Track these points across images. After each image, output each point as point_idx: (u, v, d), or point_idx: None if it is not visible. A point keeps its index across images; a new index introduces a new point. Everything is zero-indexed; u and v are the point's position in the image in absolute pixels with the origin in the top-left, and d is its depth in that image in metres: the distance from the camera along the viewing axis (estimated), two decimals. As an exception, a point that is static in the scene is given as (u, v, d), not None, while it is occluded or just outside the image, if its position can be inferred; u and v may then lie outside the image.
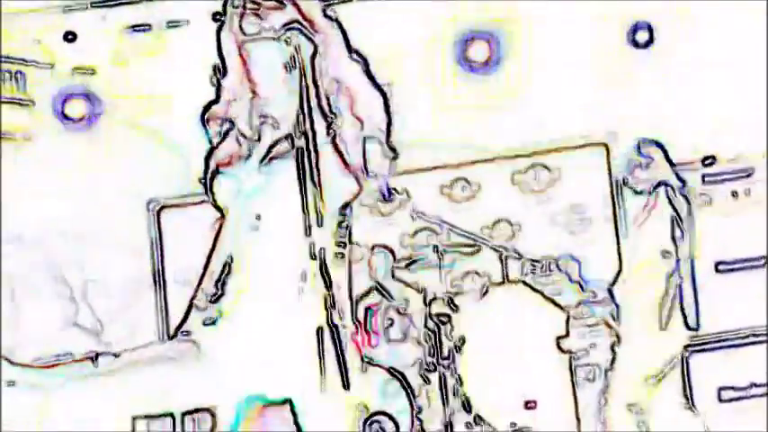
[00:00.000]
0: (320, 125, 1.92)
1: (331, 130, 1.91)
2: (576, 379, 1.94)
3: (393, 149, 1.92)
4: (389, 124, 1.92)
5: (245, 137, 1.91)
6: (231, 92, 1.91)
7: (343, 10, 1.93)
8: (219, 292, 1.90)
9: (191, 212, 1.93)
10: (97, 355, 1.90)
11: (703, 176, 1.95)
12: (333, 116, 1.92)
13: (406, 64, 1.93)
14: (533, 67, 1.94)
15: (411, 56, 1.93)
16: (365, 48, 1.93)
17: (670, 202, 1.92)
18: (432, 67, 1.94)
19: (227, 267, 1.91)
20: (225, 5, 1.91)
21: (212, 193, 1.91)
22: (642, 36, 1.94)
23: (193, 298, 1.91)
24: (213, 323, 1.91)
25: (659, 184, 1.94)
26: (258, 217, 1.91)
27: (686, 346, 1.95)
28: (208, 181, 1.90)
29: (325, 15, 1.92)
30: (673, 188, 1.93)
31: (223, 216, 1.92)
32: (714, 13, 1.94)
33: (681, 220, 1.91)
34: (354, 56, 1.92)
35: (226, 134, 1.91)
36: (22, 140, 1.92)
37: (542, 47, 1.94)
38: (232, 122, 1.91)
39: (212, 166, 1.91)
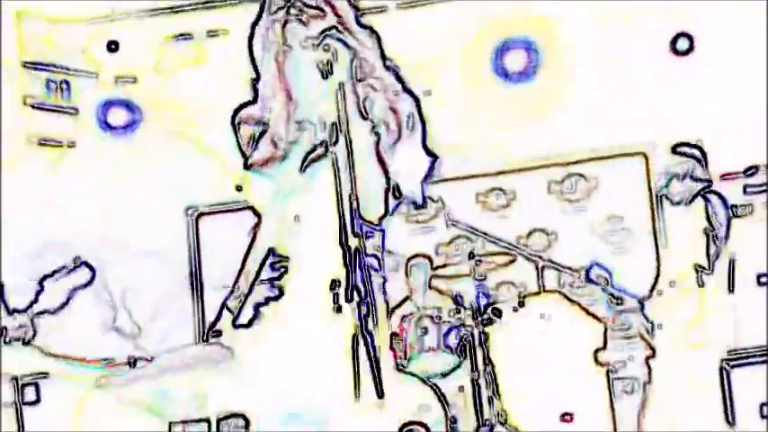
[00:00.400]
0: (359, 131, 1.93)
1: (374, 135, 1.91)
2: (613, 391, 1.91)
3: (432, 154, 1.92)
4: (424, 131, 1.92)
5: (281, 140, 1.92)
6: (265, 96, 1.93)
7: (380, 18, 1.94)
8: (276, 293, 1.92)
9: (228, 219, 1.94)
10: (135, 360, 1.92)
11: (745, 187, 1.91)
12: (373, 122, 1.92)
13: (442, 72, 1.93)
14: (571, 76, 1.92)
15: (447, 64, 1.93)
16: (401, 56, 1.93)
17: (707, 215, 1.89)
18: (468, 76, 1.93)
19: (284, 267, 1.92)
20: (261, 11, 1.93)
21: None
22: (683, 44, 1.91)
23: (227, 299, 1.92)
24: (246, 326, 1.92)
25: (697, 195, 1.90)
26: (297, 218, 1.92)
27: (724, 360, 1.90)
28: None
29: (359, 24, 1.93)
30: (711, 199, 1.89)
31: (259, 218, 1.93)
32: (756, 21, 1.91)
33: (716, 236, 1.88)
34: (389, 64, 1.93)
35: (260, 137, 1.92)
36: (65, 148, 1.96)
37: (580, 55, 1.92)
38: (266, 124, 1.92)
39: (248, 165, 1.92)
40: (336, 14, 1.93)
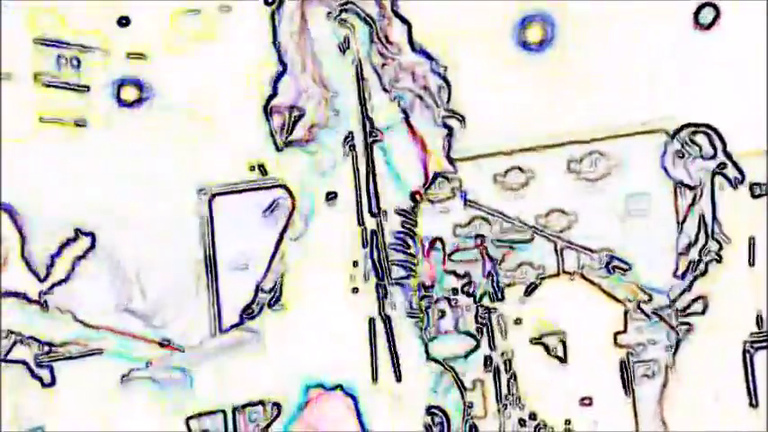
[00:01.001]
0: (379, 109, 1.89)
1: (400, 110, 1.87)
2: (633, 376, 1.87)
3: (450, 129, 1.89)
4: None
5: (316, 126, 1.89)
6: (297, 83, 1.89)
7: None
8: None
9: (242, 199, 1.91)
10: (167, 341, 1.90)
11: (769, 167, 1.86)
12: (398, 99, 1.88)
13: (461, 49, 1.88)
14: (590, 51, 1.87)
15: (467, 40, 1.88)
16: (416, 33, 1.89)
17: (712, 196, 1.84)
18: (487, 51, 1.88)
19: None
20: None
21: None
22: (706, 17, 1.85)
23: (261, 281, 1.90)
24: (280, 307, 1.89)
25: (714, 176, 1.85)
26: (331, 196, 1.88)
27: (747, 342, 1.86)
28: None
29: (394, 13, 1.88)
30: (729, 179, 1.84)
31: (292, 196, 1.89)
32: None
33: (707, 220, 1.83)
34: (418, 51, 1.88)
35: (296, 120, 1.89)
36: (76, 126, 1.93)
37: (599, 30, 1.87)
38: (301, 111, 1.89)
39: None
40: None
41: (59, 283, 1.90)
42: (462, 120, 1.88)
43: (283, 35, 1.89)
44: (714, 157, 1.85)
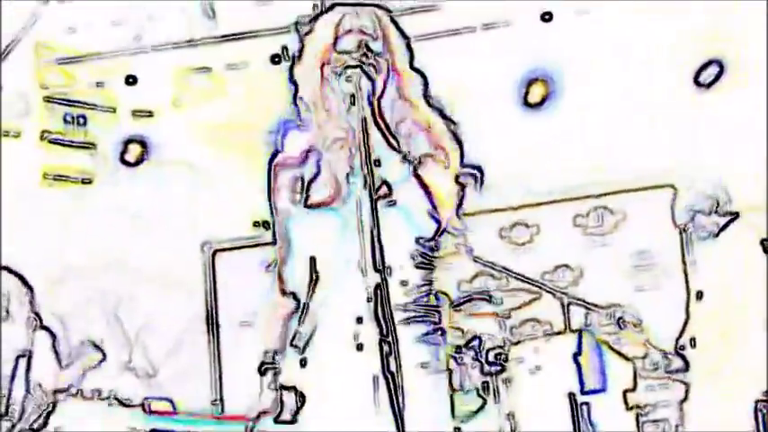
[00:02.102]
0: (391, 162, 1.89)
1: (408, 164, 1.87)
2: (643, 435, 1.83)
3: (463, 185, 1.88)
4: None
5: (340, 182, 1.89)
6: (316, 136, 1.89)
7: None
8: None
9: (245, 255, 1.90)
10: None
11: (778, 220, 1.84)
12: (405, 152, 1.87)
13: (465, 106, 1.88)
14: (594, 107, 1.87)
15: (471, 98, 1.88)
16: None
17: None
18: (492, 109, 1.88)
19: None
20: (306, 35, 1.89)
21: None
22: (707, 76, 1.85)
23: (293, 339, 1.87)
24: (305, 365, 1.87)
25: (724, 229, 1.83)
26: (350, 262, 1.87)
27: (759, 402, 1.82)
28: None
29: (412, 67, 1.89)
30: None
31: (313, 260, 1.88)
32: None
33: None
34: (433, 101, 1.88)
35: (312, 179, 1.89)
36: (82, 183, 1.93)
37: (603, 87, 1.87)
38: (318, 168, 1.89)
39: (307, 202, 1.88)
40: (392, 57, 1.89)
41: (68, 388, 1.89)
42: (478, 178, 1.87)
43: (304, 92, 1.89)
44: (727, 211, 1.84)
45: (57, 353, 1.89)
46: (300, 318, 1.87)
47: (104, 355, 1.90)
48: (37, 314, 1.90)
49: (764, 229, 1.84)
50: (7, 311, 1.90)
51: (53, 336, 1.89)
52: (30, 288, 1.89)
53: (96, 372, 1.90)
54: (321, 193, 1.88)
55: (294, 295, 1.87)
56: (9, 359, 1.89)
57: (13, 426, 1.87)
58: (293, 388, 1.87)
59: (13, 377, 1.88)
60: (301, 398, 1.87)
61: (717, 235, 1.84)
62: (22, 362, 1.89)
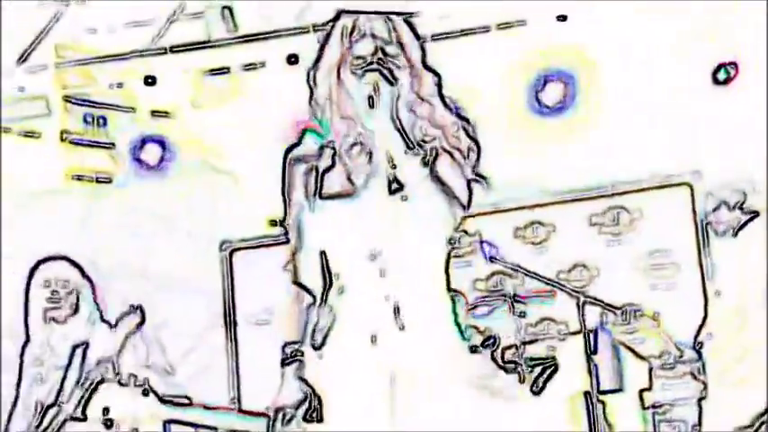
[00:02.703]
0: (407, 165, 1.89)
1: (425, 165, 1.87)
2: (659, 434, 1.83)
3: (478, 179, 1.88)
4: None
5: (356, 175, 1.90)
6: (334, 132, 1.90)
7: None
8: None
9: (262, 254, 1.91)
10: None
11: (798, 219, 1.83)
12: (423, 153, 1.88)
13: (479, 105, 1.89)
14: (609, 107, 1.87)
15: (484, 97, 1.89)
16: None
17: None
18: (505, 108, 1.89)
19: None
20: (325, 42, 1.90)
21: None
22: (723, 73, 1.85)
23: (312, 334, 1.88)
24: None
25: (743, 227, 1.82)
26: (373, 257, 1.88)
27: (776, 400, 1.81)
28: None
29: (425, 66, 1.90)
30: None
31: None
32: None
33: None
34: (448, 101, 1.89)
35: (326, 171, 1.89)
36: (102, 183, 1.95)
37: (620, 84, 1.87)
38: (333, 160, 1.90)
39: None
40: (407, 59, 1.90)
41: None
42: (486, 183, 1.87)
43: (320, 94, 1.90)
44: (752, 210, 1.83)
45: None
46: (317, 312, 1.88)
47: (143, 316, 1.90)
48: (97, 306, 1.91)
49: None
50: (76, 306, 1.91)
51: (110, 326, 1.91)
52: (89, 280, 1.91)
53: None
54: (336, 184, 1.89)
55: (309, 290, 1.88)
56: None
57: (58, 412, 1.88)
58: (311, 387, 1.88)
59: (68, 367, 1.90)
60: (318, 399, 1.87)
61: (735, 234, 1.84)
62: (78, 352, 1.90)
